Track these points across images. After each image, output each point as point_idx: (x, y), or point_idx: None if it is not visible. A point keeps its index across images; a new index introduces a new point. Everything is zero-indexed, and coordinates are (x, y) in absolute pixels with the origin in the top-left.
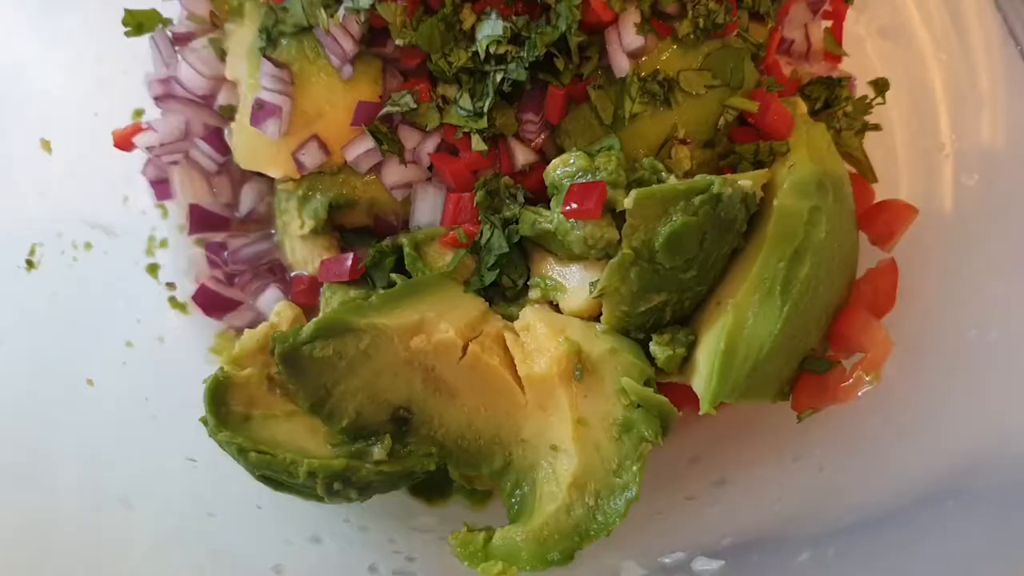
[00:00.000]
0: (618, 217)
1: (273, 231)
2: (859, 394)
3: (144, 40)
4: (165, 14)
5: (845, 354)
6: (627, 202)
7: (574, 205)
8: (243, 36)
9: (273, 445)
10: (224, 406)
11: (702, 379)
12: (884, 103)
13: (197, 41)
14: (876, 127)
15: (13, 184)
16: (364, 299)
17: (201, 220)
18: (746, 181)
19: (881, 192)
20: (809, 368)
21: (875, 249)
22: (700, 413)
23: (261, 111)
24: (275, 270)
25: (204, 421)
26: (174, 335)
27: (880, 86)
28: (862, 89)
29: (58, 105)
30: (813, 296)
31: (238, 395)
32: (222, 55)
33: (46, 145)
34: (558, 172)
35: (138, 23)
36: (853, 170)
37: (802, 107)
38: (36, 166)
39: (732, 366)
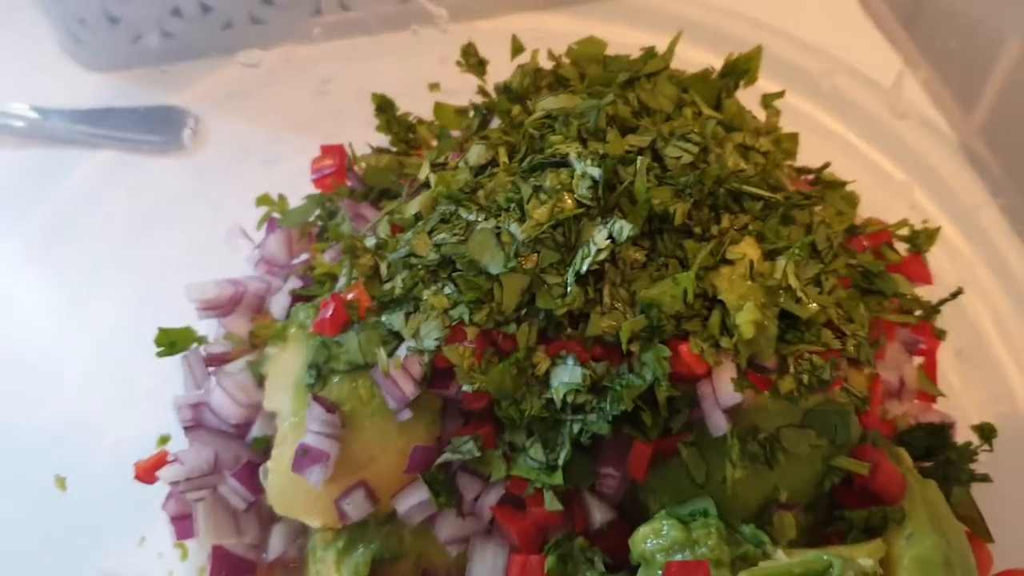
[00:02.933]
0: None
1: None
2: None
3: (174, 360)
4: (200, 331)
5: None
6: None
7: None
8: (286, 363)
9: None
10: None
11: None
12: (991, 451)
13: (234, 364)
14: (985, 478)
15: (23, 533)
16: None
17: (224, 563)
18: (866, 560)
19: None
20: None
21: None
22: None
23: (306, 457)
24: None
25: None
26: None
27: (986, 432)
28: (963, 433)
29: (75, 432)
30: None
31: None
32: (260, 380)
33: (60, 483)
34: (649, 544)
35: (171, 342)
36: (967, 529)
37: (907, 460)
38: (47, 506)
39: None
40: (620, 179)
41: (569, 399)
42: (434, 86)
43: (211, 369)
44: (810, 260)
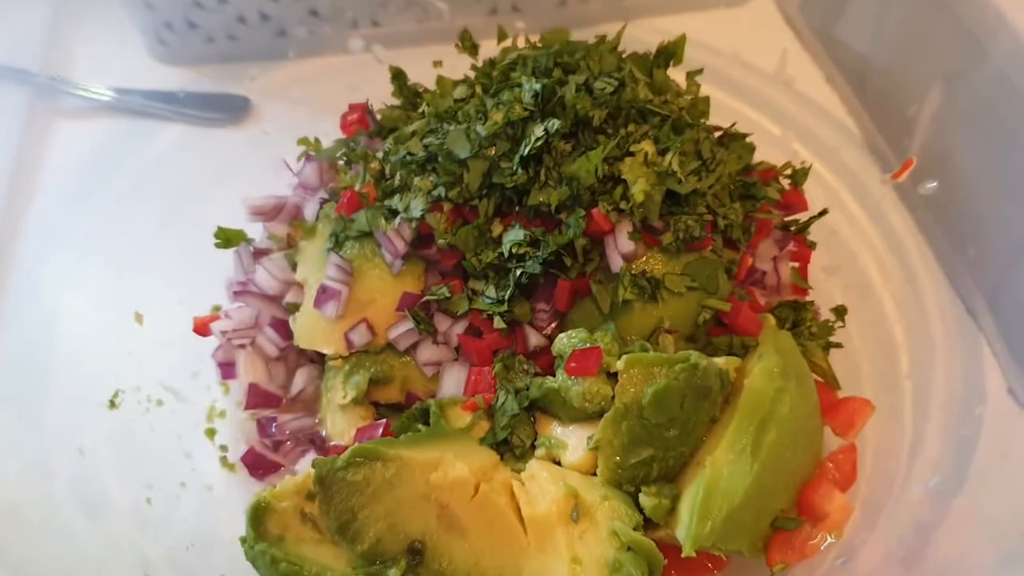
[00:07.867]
0: (612, 378)
1: (317, 413)
2: (822, 548)
3: (229, 253)
4: (250, 235)
5: (811, 520)
6: (619, 364)
7: (575, 364)
8: (314, 249)
9: (301, 560)
10: (262, 525)
11: (684, 526)
12: (844, 326)
13: (274, 255)
14: (838, 345)
15: (109, 343)
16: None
17: (257, 396)
18: (720, 359)
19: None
20: (779, 526)
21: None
22: (683, 556)
23: (324, 294)
24: (315, 441)
25: (243, 539)
26: (222, 487)
27: (840, 312)
28: (825, 316)
29: (154, 290)
30: (780, 461)
31: (275, 520)
32: (294, 267)
33: (139, 318)
34: (563, 342)
35: (227, 239)
36: (820, 379)
37: (771, 320)
38: (128, 332)
39: (710, 511)
40: (556, 95)
41: (514, 251)
42: (437, 63)
43: (256, 261)
44: (693, 160)
